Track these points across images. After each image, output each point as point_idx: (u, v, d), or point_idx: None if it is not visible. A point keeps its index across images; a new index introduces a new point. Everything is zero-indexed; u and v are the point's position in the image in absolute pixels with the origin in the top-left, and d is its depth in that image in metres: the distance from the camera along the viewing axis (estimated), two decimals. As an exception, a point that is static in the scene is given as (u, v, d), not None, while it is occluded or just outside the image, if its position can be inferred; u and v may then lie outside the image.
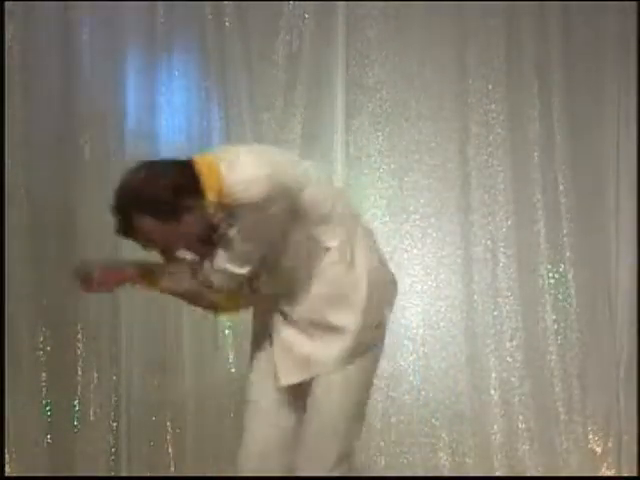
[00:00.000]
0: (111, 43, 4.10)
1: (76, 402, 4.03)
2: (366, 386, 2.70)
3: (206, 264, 2.59)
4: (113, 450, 4.03)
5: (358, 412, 2.69)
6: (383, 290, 2.69)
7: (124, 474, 4.02)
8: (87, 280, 2.65)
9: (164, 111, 4.15)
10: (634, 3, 4.27)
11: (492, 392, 4.20)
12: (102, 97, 4.10)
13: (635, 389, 4.20)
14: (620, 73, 4.32)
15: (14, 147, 3.97)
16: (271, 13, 4.20)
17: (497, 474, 4.14)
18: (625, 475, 4.17)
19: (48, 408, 4.02)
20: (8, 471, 3.90)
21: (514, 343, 4.22)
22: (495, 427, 4.18)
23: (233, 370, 4.08)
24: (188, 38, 4.19)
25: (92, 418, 4.02)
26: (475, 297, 4.23)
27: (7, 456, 3.94)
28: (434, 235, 4.23)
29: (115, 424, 4.04)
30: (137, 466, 4.03)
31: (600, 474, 4.18)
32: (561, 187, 4.27)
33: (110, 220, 3.90)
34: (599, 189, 4.32)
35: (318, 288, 2.61)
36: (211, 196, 2.50)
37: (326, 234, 2.61)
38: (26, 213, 3.97)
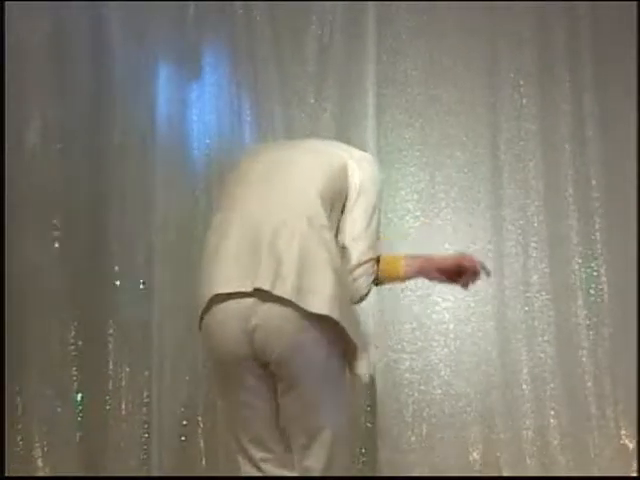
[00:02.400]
0: (142, 37, 4.08)
1: (107, 397, 4.01)
2: None
3: None
4: (145, 446, 4.00)
5: None
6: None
7: (155, 469, 3.99)
8: None
9: (195, 106, 4.13)
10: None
11: (523, 387, 4.18)
12: (132, 92, 4.08)
13: (666, 384, 4.18)
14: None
15: (42, 141, 3.99)
16: (302, 7, 4.18)
17: (528, 469, 4.12)
18: (656, 470, 4.16)
19: (79, 403, 4.01)
20: (40, 465, 3.92)
21: (545, 338, 4.20)
22: (526, 422, 4.15)
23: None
24: (219, 33, 4.17)
25: (124, 413, 4.01)
26: (506, 292, 4.20)
27: (39, 451, 3.95)
28: (465, 230, 4.21)
29: (146, 419, 4.02)
30: (168, 461, 3.99)
31: (632, 470, 4.16)
32: (593, 182, 4.25)
33: (141, 213, 3.94)
34: (630, 184, 4.29)
35: None
36: None
37: None
38: (58, 208, 3.97)
